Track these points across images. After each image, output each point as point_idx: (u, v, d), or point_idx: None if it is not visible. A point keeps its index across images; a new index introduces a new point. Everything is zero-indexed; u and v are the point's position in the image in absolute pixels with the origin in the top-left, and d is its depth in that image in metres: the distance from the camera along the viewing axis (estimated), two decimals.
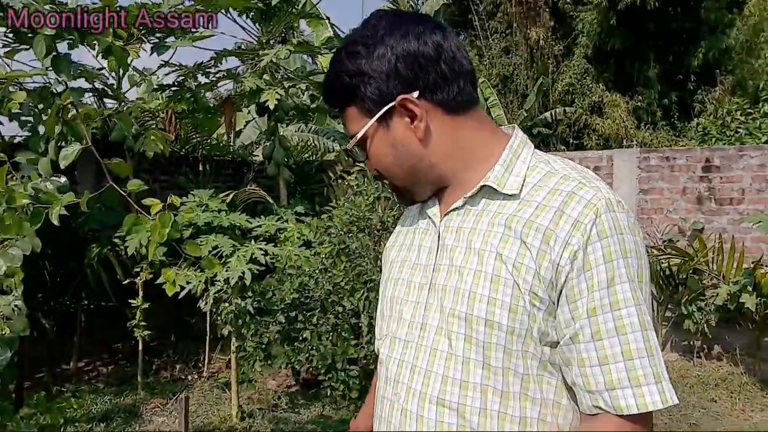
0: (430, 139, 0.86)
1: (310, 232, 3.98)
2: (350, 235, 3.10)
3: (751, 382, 4.01)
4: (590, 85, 14.12)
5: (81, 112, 1.46)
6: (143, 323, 3.78)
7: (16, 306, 1.77)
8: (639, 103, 14.11)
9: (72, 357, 4.44)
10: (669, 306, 4.56)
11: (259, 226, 3.98)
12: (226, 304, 3.05)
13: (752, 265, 4.11)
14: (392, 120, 0.86)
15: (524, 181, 0.84)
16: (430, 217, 0.92)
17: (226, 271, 2.98)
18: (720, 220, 4.63)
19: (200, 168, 5.96)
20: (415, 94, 0.84)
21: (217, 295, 3.03)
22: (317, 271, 3.04)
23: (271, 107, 4.63)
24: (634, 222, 0.80)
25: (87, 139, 1.44)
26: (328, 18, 7.24)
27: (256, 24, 5.66)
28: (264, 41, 5.49)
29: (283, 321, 3.02)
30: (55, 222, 1.49)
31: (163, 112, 5.34)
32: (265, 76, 5.27)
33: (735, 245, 4.23)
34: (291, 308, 3.11)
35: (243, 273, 2.87)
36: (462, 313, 0.81)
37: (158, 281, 3.42)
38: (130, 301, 3.80)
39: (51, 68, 1.47)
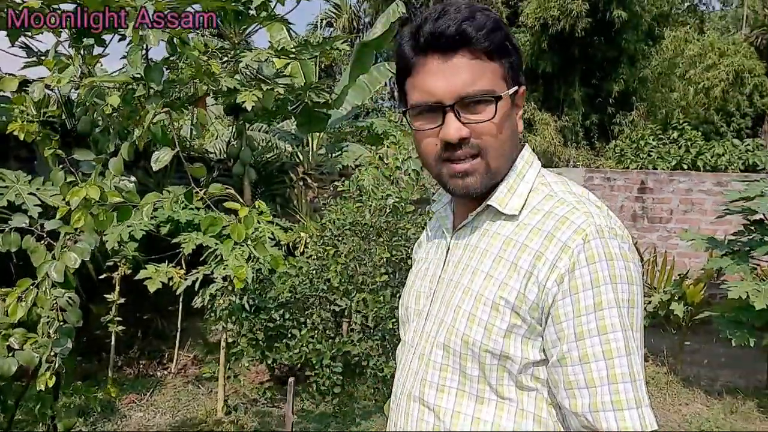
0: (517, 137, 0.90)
1: (280, 233, 4.12)
2: (342, 238, 3.28)
3: (675, 380, 4.57)
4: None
5: (173, 118, 1.57)
6: (118, 318, 3.74)
7: (70, 298, 1.83)
8: (565, 123, 15.10)
9: None
10: None
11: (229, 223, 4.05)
12: (221, 301, 3.13)
13: (679, 277, 4.69)
14: (514, 102, 0.88)
15: (525, 202, 0.87)
16: (444, 231, 0.98)
17: (224, 269, 3.07)
18: (651, 236, 5.22)
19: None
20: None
21: (212, 292, 3.11)
22: (313, 272, 3.20)
23: (249, 108, 4.70)
24: (629, 248, 0.82)
25: (176, 144, 1.56)
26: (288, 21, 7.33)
27: (228, 24, 5.68)
28: (236, 42, 5.53)
29: (278, 318, 3.15)
30: (146, 218, 1.59)
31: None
32: (237, 77, 5.32)
33: (667, 259, 4.80)
34: (282, 306, 3.24)
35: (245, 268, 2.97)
36: (446, 325, 0.87)
37: (137, 277, 3.45)
38: (105, 296, 3.75)
39: (141, 76, 1.57)
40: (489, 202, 0.88)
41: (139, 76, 1.62)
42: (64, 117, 5.39)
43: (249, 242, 1.94)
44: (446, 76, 0.81)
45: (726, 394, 4.17)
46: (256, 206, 1.93)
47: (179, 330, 4.19)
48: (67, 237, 1.73)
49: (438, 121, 0.84)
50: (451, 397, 0.85)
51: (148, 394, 3.73)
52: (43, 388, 1.67)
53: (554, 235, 0.81)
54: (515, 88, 0.86)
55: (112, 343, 3.82)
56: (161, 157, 1.59)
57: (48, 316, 1.75)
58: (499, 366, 0.82)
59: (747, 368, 4.69)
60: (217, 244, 3.71)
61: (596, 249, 0.78)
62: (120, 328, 3.79)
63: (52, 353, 1.71)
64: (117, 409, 3.49)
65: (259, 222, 4.51)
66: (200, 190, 2.20)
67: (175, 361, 4.23)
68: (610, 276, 0.78)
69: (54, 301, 1.78)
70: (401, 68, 0.88)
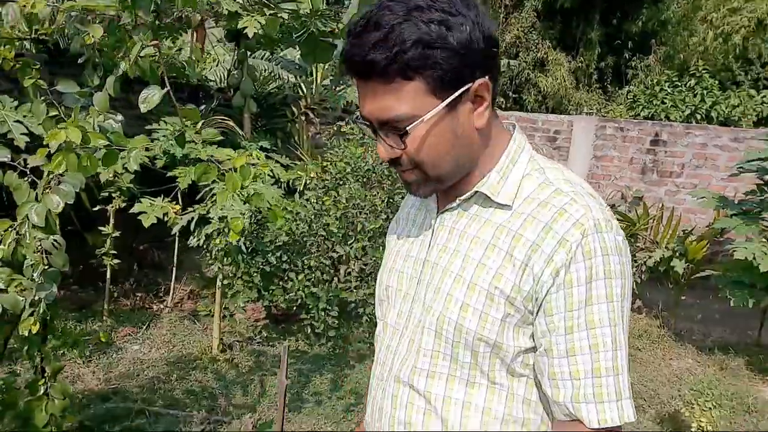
0: (483, 129, 0.84)
1: (280, 170, 4.00)
2: (342, 183, 3.18)
3: (667, 334, 4.59)
4: (536, 41, 14.40)
5: (162, 53, 1.43)
6: (113, 252, 3.70)
7: (55, 241, 1.75)
8: (579, 64, 14.60)
9: None
10: None
11: (229, 159, 3.93)
12: (217, 241, 3.07)
13: (683, 234, 4.62)
14: (460, 104, 0.79)
15: (518, 190, 0.84)
16: (428, 211, 0.95)
17: (221, 209, 2.98)
18: (658, 190, 5.10)
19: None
20: (486, 78, 0.80)
21: (208, 232, 3.04)
22: (312, 216, 3.11)
23: (250, 35, 4.44)
24: (623, 240, 0.81)
25: (166, 82, 1.42)
26: None
27: None
28: None
29: (274, 261, 3.09)
30: (135, 167, 1.48)
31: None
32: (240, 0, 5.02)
33: (673, 215, 4.71)
34: (279, 249, 3.18)
35: (243, 213, 2.89)
36: (437, 312, 0.85)
37: (132, 211, 3.37)
38: (100, 228, 3.69)
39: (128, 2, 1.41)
40: (480, 189, 0.85)
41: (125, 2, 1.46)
42: (56, 36, 5.14)
43: (245, 193, 1.84)
44: (367, 100, 0.80)
45: (717, 351, 4.20)
46: (252, 153, 1.82)
47: (174, 263, 4.16)
48: (51, 176, 1.63)
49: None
50: (441, 383, 0.85)
51: (144, 327, 3.74)
52: (26, 334, 1.61)
53: (552, 227, 0.79)
54: (456, 93, 0.78)
55: (108, 276, 3.80)
56: (149, 97, 1.46)
57: (32, 260, 1.68)
58: (492, 354, 0.82)
59: (739, 325, 4.71)
60: (214, 181, 3.61)
61: (593, 244, 0.77)
62: (115, 261, 3.75)
63: (37, 298, 1.65)
64: (112, 341, 3.50)
65: (257, 158, 4.33)
66: (196, 130, 2.08)
67: (171, 294, 4.23)
68: (604, 272, 0.77)
69: (39, 244, 1.70)
70: None
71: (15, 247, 1.69)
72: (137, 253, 4.86)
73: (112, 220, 3.68)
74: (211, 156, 4.23)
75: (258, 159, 4.31)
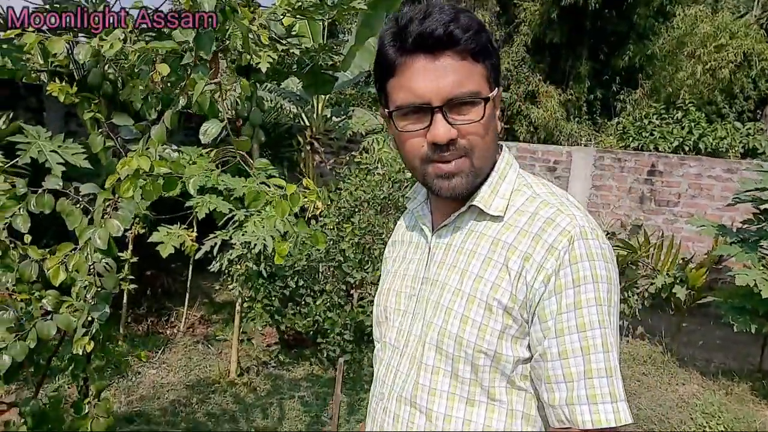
0: (497, 137, 0.91)
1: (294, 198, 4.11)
2: (358, 211, 3.28)
3: (671, 360, 4.69)
4: (526, 74, 14.79)
5: (223, 88, 1.55)
6: (130, 277, 3.75)
7: (107, 264, 1.83)
8: (569, 97, 14.97)
9: None
10: None
11: (243, 187, 4.04)
12: (238, 267, 3.15)
13: (683, 261, 4.75)
14: (495, 104, 0.88)
15: (509, 203, 0.88)
16: (422, 230, 0.98)
17: (243, 235, 3.06)
18: (656, 218, 5.25)
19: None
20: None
21: (230, 257, 3.12)
22: (329, 242, 3.21)
23: (263, 69, 4.61)
24: (609, 248, 0.84)
25: (224, 115, 1.54)
26: None
27: None
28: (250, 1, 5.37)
29: (294, 286, 3.17)
30: (193, 192, 1.58)
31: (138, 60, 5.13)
32: (249, 35, 5.19)
33: (673, 243, 4.85)
34: (297, 274, 3.26)
35: (265, 239, 2.98)
36: (437, 326, 0.87)
37: (150, 240, 3.45)
38: (119, 254, 3.75)
39: (192, 44, 1.54)
40: (473, 203, 0.89)
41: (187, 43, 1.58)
42: (71, 67, 5.29)
43: (291, 218, 1.94)
44: (434, 77, 0.81)
45: (721, 376, 4.29)
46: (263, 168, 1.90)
47: (188, 290, 4.22)
48: (107, 203, 1.72)
49: (425, 122, 0.84)
50: (442, 401, 0.87)
51: (159, 352, 3.77)
52: (80, 352, 1.68)
53: (541, 237, 0.83)
54: (497, 89, 0.87)
55: (124, 301, 3.84)
56: (209, 130, 1.57)
57: (85, 281, 1.76)
58: (492, 367, 0.84)
59: (741, 351, 4.81)
60: (231, 210, 3.70)
61: (579, 250, 0.81)
62: (132, 286, 3.80)
63: (90, 318, 1.72)
64: (129, 365, 3.53)
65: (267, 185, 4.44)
66: (253, 163, 2.17)
67: (183, 320, 4.27)
68: (591, 275, 0.80)
69: (91, 266, 1.78)
70: (384, 69, 0.87)
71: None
72: (146, 280, 4.91)
73: (131, 246, 3.75)
74: (227, 185, 4.33)
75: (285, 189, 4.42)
